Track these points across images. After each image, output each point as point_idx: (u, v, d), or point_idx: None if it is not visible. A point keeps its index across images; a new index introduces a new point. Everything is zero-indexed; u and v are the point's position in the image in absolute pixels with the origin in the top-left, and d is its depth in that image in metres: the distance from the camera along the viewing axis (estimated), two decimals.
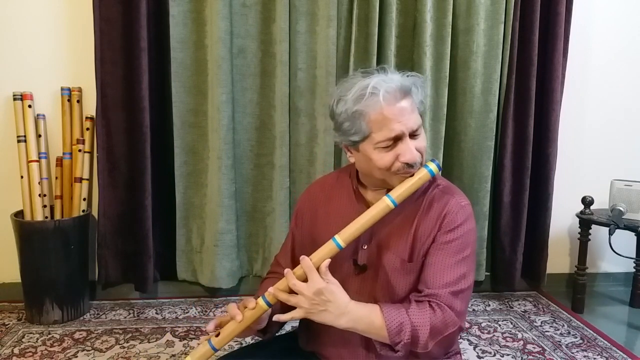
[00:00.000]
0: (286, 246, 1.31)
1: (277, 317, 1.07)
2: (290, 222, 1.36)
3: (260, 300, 1.07)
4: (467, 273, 1.10)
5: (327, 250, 1.06)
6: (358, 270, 1.16)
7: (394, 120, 1.03)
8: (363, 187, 1.20)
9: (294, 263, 1.26)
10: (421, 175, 1.07)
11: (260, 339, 1.27)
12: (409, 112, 1.05)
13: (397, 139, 1.05)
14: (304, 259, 1.04)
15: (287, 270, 1.06)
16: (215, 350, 1.09)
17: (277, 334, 1.36)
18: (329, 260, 1.04)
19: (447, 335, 1.05)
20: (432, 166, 1.07)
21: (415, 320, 1.04)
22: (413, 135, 1.07)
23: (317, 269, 1.04)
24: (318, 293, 1.02)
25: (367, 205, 1.15)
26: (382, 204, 1.06)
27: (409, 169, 1.07)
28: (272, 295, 1.06)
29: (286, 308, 1.14)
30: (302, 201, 1.31)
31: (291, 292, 1.05)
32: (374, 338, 1.06)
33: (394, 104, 1.04)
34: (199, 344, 1.12)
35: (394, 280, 1.13)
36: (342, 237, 1.06)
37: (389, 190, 1.10)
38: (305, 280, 1.04)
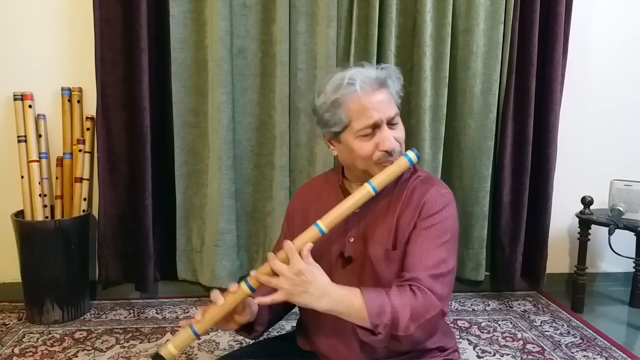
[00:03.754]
0: (277, 246, 1.32)
1: (259, 300, 1.06)
2: (282, 226, 1.37)
3: (243, 284, 1.07)
4: (447, 258, 1.11)
5: (309, 235, 1.08)
6: (344, 263, 1.19)
7: (372, 108, 1.09)
8: (348, 182, 1.24)
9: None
10: (401, 163, 1.11)
11: (256, 339, 1.27)
12: (386, 102, 1.11)
13: (375, 127, 1.10)
14: (286, 242, 1.06)
15: (269, 254, 1.08)
16: (198, 335, 1.07)
17: (277, 335, 1.36)
18: (311, 244, 1.06)
19: (429, 319, 1.05)
20: (411, 155, 1.11)
21: (396, 303, 1.04)
22: (391, 124, 1.12)
23: (300, 253, 1.05)
24: (298, 273, 1.03)
25: None
26: (363, 190, 1.10)
27: (389, 157, 1.11)
28: (254, 278, 1.07)
29: (277, 308, 1.16)
30: (293, 202, 1.35)
31: (274, 275, 1.06)
32: (355, 321, 1.06)
33: (371, 93, 1.10)
34: (180, 327, 1.10)
35: (380, 270, 1.15)
36: (324, 222, 1.08)
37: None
38: (287, 263, 1.05)
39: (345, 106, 1.10)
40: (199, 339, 1.10)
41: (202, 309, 1.09)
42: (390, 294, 1.06)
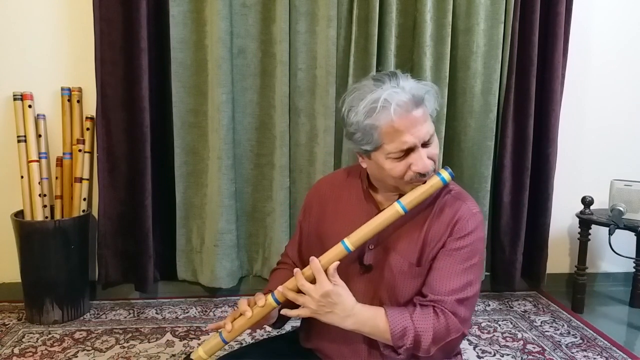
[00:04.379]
0: (294, 238, 1.34)
1: (285, 312, 1.10)
2: (298, 216, 1.36)
3: (270, 298, 1.10)
4: (473, 281, 1.10)
5: (335, 252, 1.07)
6: (363, 270, 1.17)
7: (406, 132, 1.03)
8: (373, 188, 1.20)
9: (301, 255, 1.30)
10: (433, 183, 1.06)
11: (262, 337, 1.28)
12: (421, 122, 1.04)
13: (409, 151, 1.05)
14: (313, 260, 1.05)
15: (296, 270, 1.07)
16: (226, 342, 1.14)
17: (277, 334, 1.36)
18: (338, 262, 1.06)
19: (450, 341, 1.06)
20: (445, 174, 1.07)
21: (419, 326, 1.05)
22: (425, 144, 1.06)
23: (326, 270, 1.05)
24: (325, 295, 1.04)
25: (377, 206, 1.16)
26: (392, 210, 1.07)
27: (421, 177, 1.06)
28: (281, 293, 1.09)
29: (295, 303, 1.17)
30: (311, 196, 1.32)
31: (299, 291, 1.07)
32: (378, 339, 1.08)
33: (406, 116, 1.02)
34: (210, 335, 1.18)
35: (400, 283, 1.13)
36: (351, 241, 1.07)
37: (400, 195, 1.10)
38: (313, 281, 1.06)
39: (378, 129, 1.03)
40: (226, 344, 1.17)
41: (231, 316, 1.14)
42: (413, 316, 1.06)
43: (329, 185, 1.29)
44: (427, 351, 1.05)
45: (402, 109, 1.02)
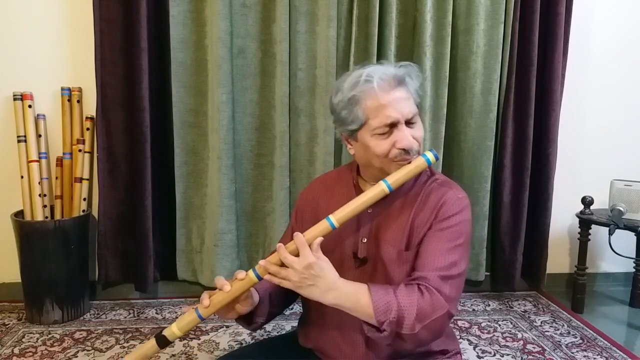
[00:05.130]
0: (284, 239, 1.32)
1: (269, 278, 1.08)
2: (291, 218, 1.37)
3: (251, 272, 1.08)
4: (458, 261, 1.11)
5: (320, 228, 1.08)
6: (358, 263, 1.18)
7: (389, 106, 1.07)
8: (363, 180, 1.23)
9: None
10: (418, 163, 1.09)
11: (262, 337, 1.28)
12: (404, 99, 1.09)
13: (393, 126, 1.09)
14: (297, 234, 1.06)
15: (279, 244, 1.08)
16: (202, 318, 1.10)
17: (277, 334, 1.36)
18: (322, 238, 1.07)
19: (435, 319, 1.05)
20: (430, 155, 1.10)
21: (402, 301, 1.04)
22: (409, 123, 1.10)
23: (310, 246, 1.05)
24: (308, 267, 1.04)
25: None
26: (378, 188, 1.09)
27: (406, 155, 1.10)
28: (262, 267, 1.08)
29: (281, 295, 1.17)
30: (303, 198, 1.33)
31: (282, 266, 1.07)
32: (361, 317, 1.06)
33: (389, 91, 1.08)
34: (185, 312, 1.12)
35: (392, 271, 1.14)
36: (336, 217, 1.08)
37: None
38: (297, 256, 1.06)
39: (362, 103, 1.09)
40: (203, 321, 1.12)
41: (207, 293, 1.11)
42: (397, 291, 1.06)
43: (321, 184, 1.32)
44: (411, 328, 1.03)
45: (385, 83, 1.08)
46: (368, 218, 1.18)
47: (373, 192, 1.09)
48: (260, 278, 1.08)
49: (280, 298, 1.23)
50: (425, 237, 1.12)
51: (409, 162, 1.10)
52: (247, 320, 1.20)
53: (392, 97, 1.08)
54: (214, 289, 1.12)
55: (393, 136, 1.09)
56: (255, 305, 1.17)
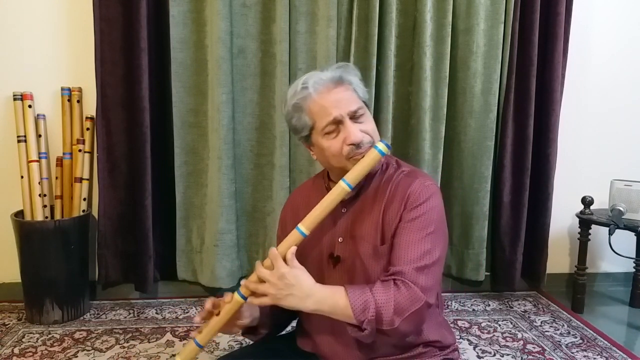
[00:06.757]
0: None
1: (251, 300, 1.10)
2: (277, 230, 1.40)
3: (235, 294, 1.12)
4: (431, 249, 1.11)
5: (292, 239, 1.10)
6: (334, 263, 1.20)
7: (330, 106, 1.13)
8: (334, 183, 1.23)
9: None
10: (372, 155, 1.11)
11: (260, 340, 1.29)
12: (344, 98, 1.14)
13: (338, 123, 1.13)
14: (271, 249, 1.09)
15: (257, 262, 1.11)
16: (201, 346, 1.15)
17: (276, 335, 1.36)
18: (295, 247, 1.09)
19: (414, 311, 1.06)
20: (381, 145, 1.11)
21: (379, 298, 1.06)
22: (355, 118, 1.14)
23: (284, 258, 1.08)
24: (281, 277, 1.06)
25: None
26: (339, 188, 1.11)
27: (358, 150, 1.12)
28: (244, 287, 1.11)
29: (279, 311, 1.18)
30: (285, 210, 1.37)
31: (261, 282, 1.09)
32: (342, 319, 1.08)
33: (327, 92, 1.13)
34: (185, 343, 1.18)
35: (370, 267, 1.16)
36: (305, 225, 1.10)
37: None
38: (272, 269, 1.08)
39: (305, 109, 1.15)
40: (203, 349, 1.17)
41: (199, 315, 1.16)
42: (373, 289, 1.07)
43: (299, 194, 1.35)
44: (390, 323, 1.04)
45: (320, 86, 1.14)
46: (343, 218, 1.20)
47: (334, 193, 1.11)
48: (245, 298, 1.11)
49: (281, 309, 1.24)
50: (397, 229, 1.13)
51: (363, 157, 1.12)
52: (252, 332, 1.25)
53: (331, 97, 1.13)
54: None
55: (342, 134, 1.13)
56: (257, 319, 1.21)
